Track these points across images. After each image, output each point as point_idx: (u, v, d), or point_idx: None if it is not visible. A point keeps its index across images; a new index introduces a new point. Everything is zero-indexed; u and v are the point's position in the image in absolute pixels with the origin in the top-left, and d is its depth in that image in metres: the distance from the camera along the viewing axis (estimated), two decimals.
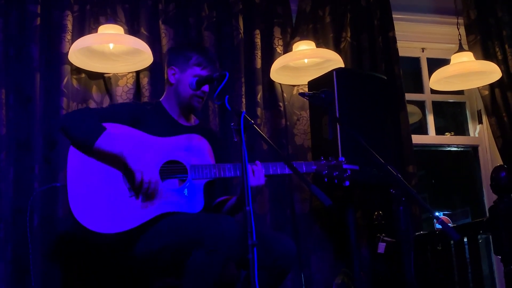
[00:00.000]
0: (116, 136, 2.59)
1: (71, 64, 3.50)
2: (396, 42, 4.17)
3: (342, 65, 3.80)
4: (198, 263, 2.43)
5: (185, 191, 2.66)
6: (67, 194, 2.53)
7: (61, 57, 3.47)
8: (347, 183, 2.85)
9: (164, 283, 2.67)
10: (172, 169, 2.68)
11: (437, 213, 4.15)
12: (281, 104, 3.90)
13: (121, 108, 2.87)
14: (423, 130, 4.65)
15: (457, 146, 4.72)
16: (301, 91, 3.93)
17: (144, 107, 2.88)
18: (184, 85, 2.87)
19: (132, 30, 3.69)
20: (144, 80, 3.61)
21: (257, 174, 2.69)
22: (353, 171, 2.87)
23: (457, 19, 4.36)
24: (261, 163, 2.74)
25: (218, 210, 2.93)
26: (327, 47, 4.00)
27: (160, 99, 2.98)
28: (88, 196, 2.53)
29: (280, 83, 3.95)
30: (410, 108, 4.49)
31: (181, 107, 2.91)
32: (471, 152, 4.75)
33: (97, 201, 2.54)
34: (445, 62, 4.36)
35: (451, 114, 5.16)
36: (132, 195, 2.58)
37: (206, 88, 2.86)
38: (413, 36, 4.57)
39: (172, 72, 2.91)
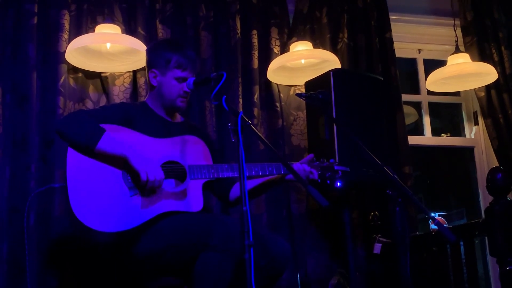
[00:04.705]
0: (116, 137, 2.59)
1: (68, 63, 3.49)
2: (392, 43, 4.18)
3: (339, 66, 3.81)
4: (211, 264, 2.42)
5: (185, 191, 2.66)
6: (67, 193, 2.52)
7: (58, 56, 3.46)
8: (339, 183, 2.86)
9: (161, 283, 2.66)
10: (171, 169, 2.68)
11: (432, 214, 4.16)
12: (277, 104, 3.90)
13: (114, 108, 2.86)
14: (419, 131, 4.65)
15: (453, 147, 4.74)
16: (298, 91, 3.92)
17: (134, 107, 2.87)
18: (166, 87, 2.84)
19: (129, 29, 3.68)
20: (141, 80, 3.61)
21: None
22: (347, 171, 2.88)
23: (454, 20, 4.37)
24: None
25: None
26: (324, 48, 4.01)
27: (145, 100, 2.96)
28: (89, 196, 2.53)
29: (277, 84, 3.95)
30: (407, 109, 4.50)
31: (166, 108, 2.89)
32: (467, 153, 4.76)
33: (98, 200, 2.53)
34: (441, 63, 4.37)
35: (447, 115, 5.17)
36: (133, 194, 2.58)
37: (190, 85, 2.78)
38: (410, 37, 4.58)
39: (153, 75, 2.87)
